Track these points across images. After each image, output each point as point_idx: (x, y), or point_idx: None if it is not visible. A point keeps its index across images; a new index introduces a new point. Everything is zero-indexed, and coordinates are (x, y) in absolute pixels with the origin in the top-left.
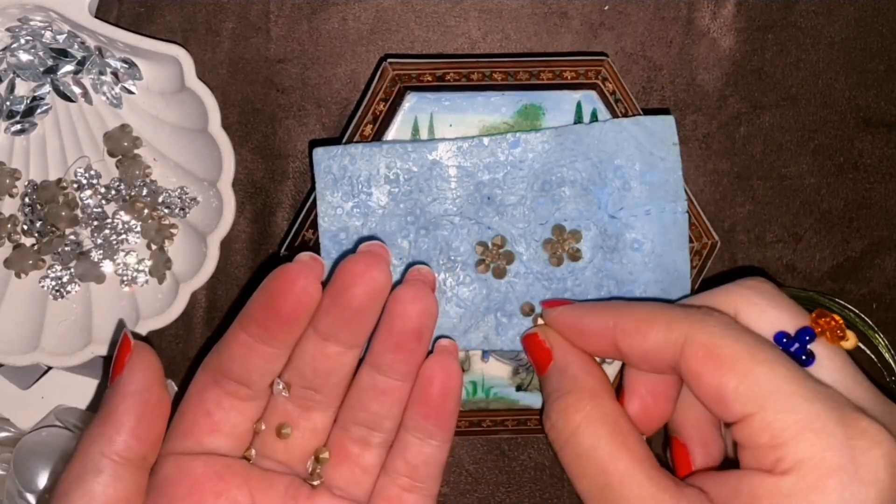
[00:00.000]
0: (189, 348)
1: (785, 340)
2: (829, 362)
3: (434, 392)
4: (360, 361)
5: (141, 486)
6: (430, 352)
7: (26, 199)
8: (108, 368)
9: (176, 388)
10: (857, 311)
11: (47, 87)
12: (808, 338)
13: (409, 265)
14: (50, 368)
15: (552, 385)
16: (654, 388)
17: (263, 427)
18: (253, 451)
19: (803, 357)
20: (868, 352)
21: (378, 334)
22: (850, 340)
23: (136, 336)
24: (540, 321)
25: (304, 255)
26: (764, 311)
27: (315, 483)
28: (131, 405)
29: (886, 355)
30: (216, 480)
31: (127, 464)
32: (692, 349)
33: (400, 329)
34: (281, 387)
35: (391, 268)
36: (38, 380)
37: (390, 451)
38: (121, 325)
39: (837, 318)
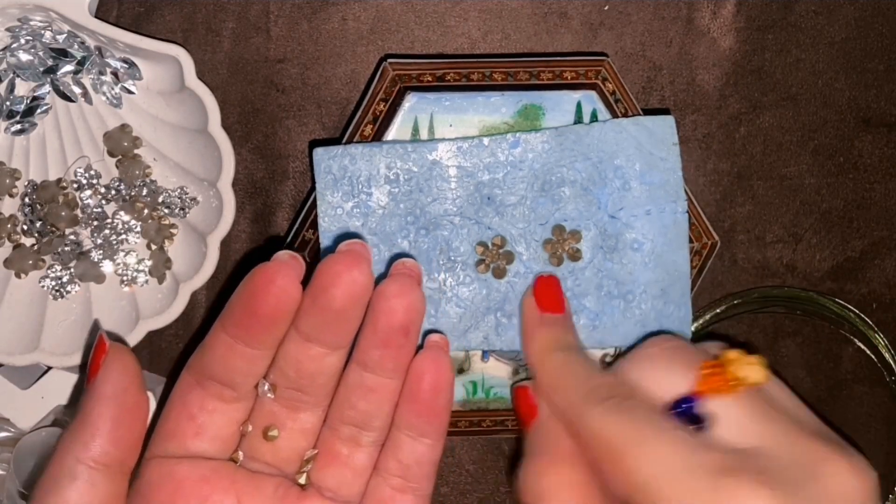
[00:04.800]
0: (189, 348)
1: (681, 407)
2: (725, 417)
3: (425, 388)
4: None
5: (119, 492)
6: (421, 346)
7: (26, 199)
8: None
9: None
10: (857, 311)
11: (47, 87)
12: (687, 405)
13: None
14: (50, 368)
15: (531, 443)
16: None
17: (250, 429)
18: (240, 454)
19: (697, 421)
20: (868, 352)
21: (364, 331)
22: (757, 373)
23: (113, 337)
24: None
25: (283, 254)
26: (658, 381)
27: (303, 483)
28: (107, 409)
29: (886, 355)
30: (201, 484)
31: (104, 469)
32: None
33: (386, 325)
34: (266, 388)
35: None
36: (38, 380)
37: (382, 451)
38: (95, 327)
39: (725, 364)
